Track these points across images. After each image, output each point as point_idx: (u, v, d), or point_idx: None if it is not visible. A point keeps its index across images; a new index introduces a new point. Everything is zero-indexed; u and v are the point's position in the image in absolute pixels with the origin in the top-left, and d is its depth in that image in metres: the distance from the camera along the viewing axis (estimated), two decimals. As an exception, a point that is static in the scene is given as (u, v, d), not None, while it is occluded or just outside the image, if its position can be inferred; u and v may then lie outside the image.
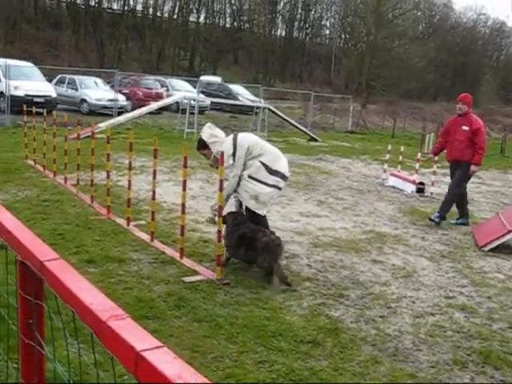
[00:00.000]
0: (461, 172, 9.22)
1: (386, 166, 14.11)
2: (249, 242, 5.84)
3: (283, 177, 6.27)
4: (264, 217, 6.31)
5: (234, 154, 6.20)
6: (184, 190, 6.32)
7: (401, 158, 14.30)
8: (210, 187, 10.62)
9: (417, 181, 12.51)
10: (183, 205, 6.24)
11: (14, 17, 54.63)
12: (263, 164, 6.14)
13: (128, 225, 7.39)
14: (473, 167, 9.09)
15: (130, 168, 7.52)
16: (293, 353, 4.30)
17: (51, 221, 7.47)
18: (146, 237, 6.93)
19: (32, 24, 57.72)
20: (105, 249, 6.35)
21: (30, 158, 11.93)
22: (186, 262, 6.09)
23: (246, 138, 6.40)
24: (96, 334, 1.20)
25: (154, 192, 6.84)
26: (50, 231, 6.92)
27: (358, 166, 16.72)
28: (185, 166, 6.23)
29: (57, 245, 6.37)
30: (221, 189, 5.68)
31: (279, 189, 6.28)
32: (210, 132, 6.56)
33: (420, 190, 12.40)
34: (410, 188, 12.48)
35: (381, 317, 5.19)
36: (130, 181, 7.49)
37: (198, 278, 5.61)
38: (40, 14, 60.12)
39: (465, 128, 9.14)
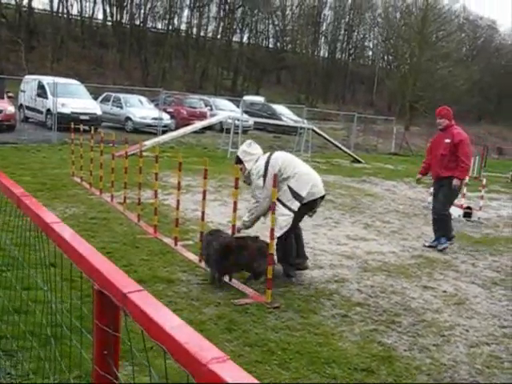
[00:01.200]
0: (445, 190, 8.66)
1: (431, 189, 13.84)
2: (237, 250, 5.90)
3: (301, 201, 6.20)
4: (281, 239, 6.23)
5: (264, 176, 6.24)
6: (234, 211, 6.25)
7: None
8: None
9: (464, 205, 12.23)
10: (233, 226, 6.16)
11: (61, 36, 55.91)
12: (289, 188, 6.16)
13: (176, 244, 7.35)
14: (455, 181, 8.48)
15: (179, 188, 7.49)
16: (347, 381, 4.17)
17: (99, 239, 7.48)
18: (193, 257, 6.88)
19: (79, 43, 59.04)
20: (153, 269, 6.31)
21: (77, 175, 12.06)
22: (235, 284, 6.01)
23: (278, 160, 6.36)
24: (194, 377, 1.11)
25: (203, 213, 6.79)
26: (99, 249, 6.77)
27: (402, 189, 16.48)
28: (236, 187, 6.16)
29: (105, 263, 6.37)
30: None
31: (291, 211, 6.18)
32: (245, 149, 6.67)
33: (467, 214, 12.11)
34: (457, 212, 12.18)
35: (434, 345, 5.01)
36: (178, 200, 7.46)
37: (247, 300, 5.52)
38: (86, 33, 61.45)
39: (447, 141, 8.67)
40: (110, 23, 63.51)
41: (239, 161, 6.66)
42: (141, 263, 6.50)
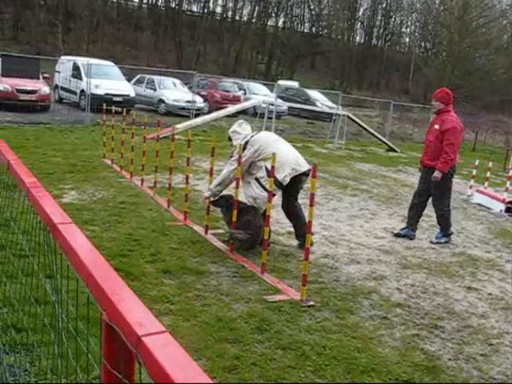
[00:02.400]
0: (432, 185, 8.05)
1: (472, 181, 13.37)
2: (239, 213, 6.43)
3: (279, 185, 6.56)
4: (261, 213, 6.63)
5: (243, 150, 6.57)
6: (270, 201, 5.92)
7: (488, 173, 13.54)
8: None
9: (507, 200, 11.71)
10: (267, 216, 5.83)
11: (97, 18, 56.06)
12: (266, 168, 6.41)
13: (206, 233, 7.06)
14: (435, 173, 7.88)
15: (211, 173, 7.18)
16: (387, 393, 3.83)
17: (127, 224, 7.24)
18: (223, 247, 6.59)
19: (114, 25, 59.06)
20: (182, 258, 6.03)
21: (108, 157, 11.85)
22: (268, 277, 5.69)
23: (260, 140, 6.76)
24: None
25: (237, 202, 6.47)
26: (126, 236, 6.67)
27: (440, 180, 15.93)
28: (270, 176, 5.82)
29: (132, 251, 6.12)
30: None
31: (274, 195, 6.46)
32: (235, 128, 7.21)
33: (510, 209, 11.59)
34: (499, 207, 11.69)
35: (482, 355, 4.63)
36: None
37: (280, 297, 5.19)
38: (122, 16, 61.46)
39: (436, 127, 8.08)
40: (145, 6, 63.44)
41: (229, 139, 7.24)
42: (169, 252, 6.22)
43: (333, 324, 4.78)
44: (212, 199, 6.92)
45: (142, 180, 9.78)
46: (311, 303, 5.12)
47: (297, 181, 6.75)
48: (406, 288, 5.97)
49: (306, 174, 6.75)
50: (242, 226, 6.43)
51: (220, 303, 4.92)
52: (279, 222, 8.08)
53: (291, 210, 7.02)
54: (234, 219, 6.35)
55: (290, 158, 6.66)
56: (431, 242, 8.15)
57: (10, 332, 3.75)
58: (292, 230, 7.51)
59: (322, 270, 6.21)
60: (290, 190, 6.84)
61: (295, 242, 7.11)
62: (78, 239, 1.72)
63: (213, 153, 7.17)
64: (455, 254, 7.68)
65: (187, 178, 7.99)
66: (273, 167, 5.85)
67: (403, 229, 8.43)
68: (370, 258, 6.93)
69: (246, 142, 6.74)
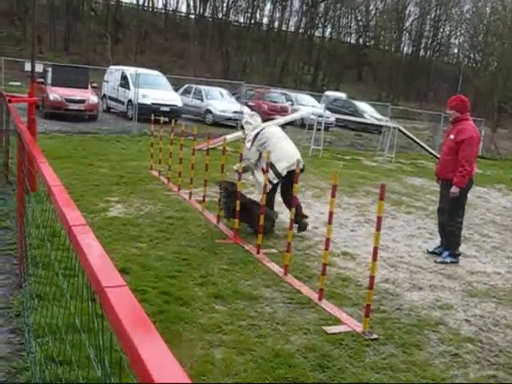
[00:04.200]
0: (448, 197, 7.49)
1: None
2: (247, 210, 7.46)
3: (278, 175, 7.61)
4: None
5: (252, 142, 7.88)
6: (330, 222, 5.52)
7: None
8: (342, 212, 9.78)
9: None
10: (327, 240, 5.43)
11: (145, 28, 56.72)
12: (271, 163, 7.31)
13: (258, 252, 6.71)
14: (453, 189, 7.31)
15: (265, 191, 6.83)
16: None
17: (175, 241, 6.94)
18: (277, 269, 6.21)
19: (162, 35, 59.65)
20: (233, 281, 5.68)
21: (155, 168, 11.64)
22: (326, 305, 5.29)
23: (266, 134, 7.91)
24: None
25: (291, 220, 6.11)
26: (174, 255, 6.37)
27: (495, 197, 15.26)
28: (333, 196, 5.44)
29: (181, 272, 5.81)
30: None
31: (272, 183, 7.60)
32: (247, 119, 8.41)
33: None
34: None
35: None
36: (263, 206, 6.81)
37: (341, 328, 4.79)
38: (169, 26, 62.06)
39: (451, 137, 7.47)
40: (192, 16, 63.97)
41: (242, 127, 8.54)
42: (220, 274, 5.88)
43: (400, 361, 4.35)
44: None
45: (191, 193, 9.51)
46: (375, 336, 4.71)
47: (293, 174, 7.01)
48: (476, 319, 5.49)
49: (302, 169, 7.28)
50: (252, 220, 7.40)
51: (276, 334, 4.55)
52: (333, 242, 7.68)
53: (287, 197, 7.78)
54: (237, 209, 7.38)
55: (290, 154, 7.68)
56: (435, 262, 7.51)
57: (53, 365, 3.46)
58: (348, 250, 7.14)
59: (382, 296, 5.77)
60: (288, 180, 7.49)
61: (352, 265, 6.70)
62: (90, 245, 1.46)
63: (267, 169, 6.79)
64: (524, 281, 7.13)
65: (237, 192, 7.65)
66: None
67: (438, 247, 7.89)
68: (433, 284, 6.46)
69: (257, 134, 7.92)
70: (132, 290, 4.06)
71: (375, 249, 4.77)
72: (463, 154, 7.31)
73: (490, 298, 6.22)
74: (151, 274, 5.62)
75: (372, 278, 4.80)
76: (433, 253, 7.83)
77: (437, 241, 8.19)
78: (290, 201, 7.10)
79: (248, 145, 7.97)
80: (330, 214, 5.44)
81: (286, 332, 4.62)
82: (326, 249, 5.45)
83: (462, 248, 8.08)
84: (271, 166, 7.37)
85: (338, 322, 4.94)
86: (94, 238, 1.57)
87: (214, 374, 3.82)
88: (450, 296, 6.11)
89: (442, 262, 7.48)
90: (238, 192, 7.46)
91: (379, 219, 4.73)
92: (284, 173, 7.59)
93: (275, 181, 7.64)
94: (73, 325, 3.31)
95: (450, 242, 7.72)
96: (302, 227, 7.95)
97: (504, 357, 4.72)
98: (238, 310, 4.97)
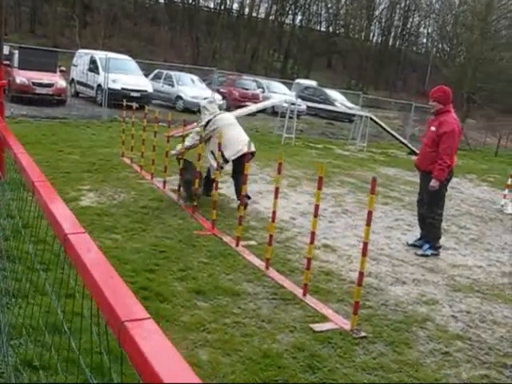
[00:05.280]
0: (427, 189, 7.32)
1: (507, 191, 12.72)
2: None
3: (226, 161, 8.18)
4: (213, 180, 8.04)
5: (205, 126, 8.44)
6: (276, 197, 5.33)
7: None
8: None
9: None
10: (313, 233, 5.25)
11: (114, 12, 55.70)
12: (218, 144, 7.73)
13: (237, 245, 6.51)
14: (432, 182, 7.16)
15: (245, 183, 6.62)
16: None
17: (151, 233, 6.70)
18: (258, 262, 6.02)
19: (131, 19, 58.66)
20: (214, 276, 5.47)
21: (127, 155, 11.33)
22: (310, 301, 5.11)
23: (218, 121, 8.47)
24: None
25: (274, 213, 5.92)
26: (151, 247, 6.13)
27: (467, 187, 15.29)
28: (278, 172, 5.25)
29: (159, 265, 5.58)
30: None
31: (222, 168, 8.29)
32: (205, 104, 9.02)
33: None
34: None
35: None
36: (244, 195, 6.61)
37: (328, 326, 4.62)
38: (139, 10, 61.08)
39: (432, 129, 7.33)
40: (162, 1, 63.04)
41: (199, 111, 8.95)
42: (199, 267, 5.67)
43: (390, 360, 4.20)
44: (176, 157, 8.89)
45: (165, 182, 9.25)
46: (363, 334, 4.55)
47: (242, 158, 7.65)
48: (462, 316, 5.38)
49: (251, 153, 7.86)
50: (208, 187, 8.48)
51: (262, 333, 4.36)
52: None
53: (236, 178, 8.45)
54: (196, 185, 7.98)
55: (238, 141, 8.21)
56: (416, 254, 7.40)
57: (26, 371, 3.22)
58: (328, 242, 7.03)
59: (367, 291, 5.62)
60: (237, 164, 8.22)
61: (334, 258, 6.55)
62: (89, 252, 1.33)
63: (247, 160, 6.58)
64: (505, 274, 7.06)
65: (216, 182, 7.43)
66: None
67: (418, 239, 7.79)
68: (416, 278, 6.35)
69: (209, 120, 8.46)
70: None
71: (365, 244, 4.60)
72: (444, 146, 7.18)
73: (474, 293, 6.13)
74: (128, 267, 5.38)
75: (361, 274, 4.63)
76: (413, 245, 7.73)
77: (416, 233, 8.10)
78: (238, 181, 8.01)
79: (199, 128, 8.63)
80: (316, 207, 5.26)
81: (273, 330, 4.43)
82: (311, 242, 5.26)
83: (442, 240, 7.99)
84: (221, 153, 7.95)
85: (324, 319, 4.77)
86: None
87: (201, 377, 3.59)
88: (435, 291, 6.00)
89: (422, 255, 7.37)
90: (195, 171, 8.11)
91: (369, 214, 4.55)
92: (231, 159, 8.23)
93: (225, 165, 8.41)
94: (50, 324, 3.08)
95: (430, 235, 7.62)
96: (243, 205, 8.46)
97: (494, 355, 4.61)
98: (220, 306, 4.77)
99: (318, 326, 4.58)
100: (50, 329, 2.92)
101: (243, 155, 7.59)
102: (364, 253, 4.60)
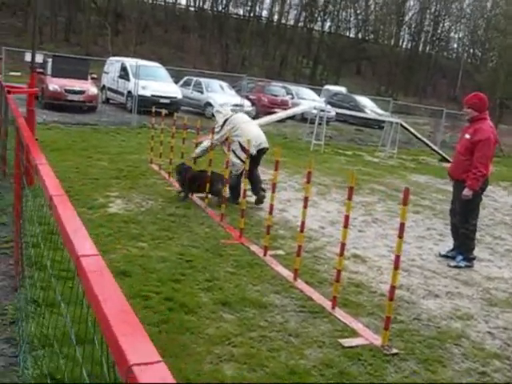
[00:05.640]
0: (460, 198, 7.08)
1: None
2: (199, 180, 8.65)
3: (246, 152, 7.88)
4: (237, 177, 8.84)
5: (221, 127, 8.92)
6: (305, 207, 5.17)
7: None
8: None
9: None
10: (343, 245, 5.10)
11: (145, 20, 56.26)
12: (239, 143, 8.49)
13: (265, 255, 6.38)
14: (465, 191, 6.94)
15: (274, 191, 6.50)
16: None
17: (178, 241, 6.61)
18: (286, 273, 5.89)
19: (161, 27, 59.15)
20: (241, 286, 5.35)
21: (156, 162, 11.31)
22: (340, 314, 4.96)
23: (234, 120, 8.91)
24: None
25: (302, 223, 5.79)
26: (178, 256, 6.04)
27: (501, 195, 14.95)
28: (308, 181, 5.10)
29: (185, 275, 5.48)
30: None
31: (240, 160, 8.50)
32: (217, 108, 9.73)
33: None
34: None
35: None
36: (272, 205, 6.49)
37: (358, 341, 4.46)
38: (169, 18, 61.56)
39: (466, 137, 7.09)
40: (192, 8, 63.41)
41: (213, 115, 9.51)
42: (226, 278, 5.56)
43: (423, 380, 4.03)
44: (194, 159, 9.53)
45: (192, 190, 9.20)
46: (394, 351, 4.38)
47: (259, 153, 8.80)
48: (499, 332, 5.16)
49: (267, 148, 8.95)
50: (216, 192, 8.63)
51: (289, 347, 4.22)
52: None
53: (253, 174, 8.68)
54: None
55: (258, 135, 8.83)
56: (449, 266, 7.17)
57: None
58: (358, 253, 6.88)
59: (398, 304, 5.43)
60: (255, 160, 8.66)
61: (363, 269, 6.39)
62: (102, 280, 1.13)
63: (276, 166, 6.45)
64: (543, 287, 6.81)
65: (244, 191, 7.33)
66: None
67: (451, 250, 7.57)
68: (450, 291, 6.15)
69: (226, 120, 8.91)
70: (134, 295, 3.72)
71: (397, 257, 4.44)
72: (478, 154, 6.97)
73: (511, 308, 5.90)
74: (154, 277, 5.29)
75: (393, 288, 4.47)
76: (445, 256, 7.52)
77: (449, 243, 7.88)
78: (255, 176, 8.80)
79: (217, 129, 8.97)
80: (346, 217, 5.11)
81: (300, 345, 4.29)
82: (341, 254, 5.10)
83: (475, 251, 7.76)
84: (242, 147, 8.32)
85: (354, 333, 4.61)
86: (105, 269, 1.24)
87: (225, 395, 3.50)
88: (469, 305, 5.80)
89: (456, 267, 7.16)
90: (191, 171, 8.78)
91: (402, 226, 4.39)
92: (254, 152, 8.47)
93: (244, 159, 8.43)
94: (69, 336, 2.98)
95: (463, 246, 7.40)
96: (260, 199, 8.96)
97: (535, 375, 4.40)
98: (247, 318, 4.64)
99: (347, 342, 4.42)
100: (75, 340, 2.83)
101: (260, 151, 8.72)
102: (396, 266, 4.44)
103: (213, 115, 9.38)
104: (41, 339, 3.65)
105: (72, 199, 7.76)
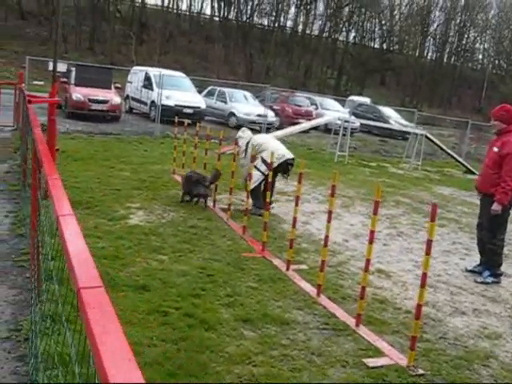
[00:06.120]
0: (488, 214, 6.88)
1: None
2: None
3: (268, 166, 8.20)
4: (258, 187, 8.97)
5: (245, 150, 9.18)
6: (329, 221, 5.05)
7: None
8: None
9: None
10: (368, 260, 4.97)
11: (169, 30, 56.64)
12: (261, 158, 8.84)
13: (288, 269, 6.26)
14: (494, 205, 6.76)
15: (297, 203, 6.39)
16: None
17: (199, 255, 6.52)
18: (309, 288, 5.76)
19: (186, 37, 59.44)
20: (262, 302, 5.24)
21: (178, 173, 11.25)
22: (364, 332, 4.82)
23: (255, 141, 9.20)
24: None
25: (326, 237, 5.66)
26: (198, 270, 5.94)
27: (528, 208, 14.63)
28: (332, 195, 4.97)
29: (206, 290, 5.38)
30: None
31: (263, 174, 8.80)
32: (239, 134, 9.63)
33: None
34: None
35: None
36: (295, 218, 6.38)
37: (383, 361, 4.32)
38: (194, 28, 61.89)
39: (495, 149, 6.91)
40: (217, 18, 63.70)
41: (236, 141, 9.51)
42: (248, 293, 5.44)
43: (451, 403, 3.88)
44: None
45: (215, 201, 9.12)
46: (421, 371, 4.23)
47: (281, 166, 8.90)
48: (529, 352, 4.99)
49: (289, 161, 9.05)
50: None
51: (312, 367, 4.10)
52: (365, 257, 7.22)
53: (272, 185, 8.74)
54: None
55: (277, 149, 8.90)
56: (475, 282, 6.98)
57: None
58: (382, 267, 6.73)
59: (424, 322, 5.27)
60: (276, 171, 8.71)
61: (389, 284, 6.24)
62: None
63: (300, 179, 6.33)
64: None
65: (267, 202, 7.23)
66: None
67: (478, 265, 7.38)
68: (476, 308, 5.98)
69: (248, 142, 9.21)
70: (153, 310, 3.61)
71: (424, 275, 4.30)
72: (507, 168, 6.81)
73: (540, 326, 5.71)
74: (174, 291, 5.20)
75: (419, 306, 4.33)
76: (472, 271, 7.34)
77: (475, 258, 7.70)
78: (272, 187, 8.88)
79: (242, 155, 9.26)
80: (372, 233, 4.96)
81: (323, 365, 4.16)
82: (366, 270, 4.97)
83: (503, 267, 7.56)
84: (264, 161, 8.73)
85: (378, 353, 4.47)
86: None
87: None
88: (497, 323, 5.62)
89: (482, 283, 6.98)
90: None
91: (429, 243, 4.26)
92: (275, 164, 8.37)
93: (266, 172, 8.51)
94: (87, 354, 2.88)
95: (490, 261, 7.21)
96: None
97: None
98: (268, 336, 4.52)
99: (371, 361, 4.28)
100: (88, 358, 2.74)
101: (285, 162, 8.95)
102: (423, 284, 4.30)
103: (235, 143, 9.55)
104: (55, 357, 3.57)
105: (93, 210, 7.78)
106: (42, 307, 4.02)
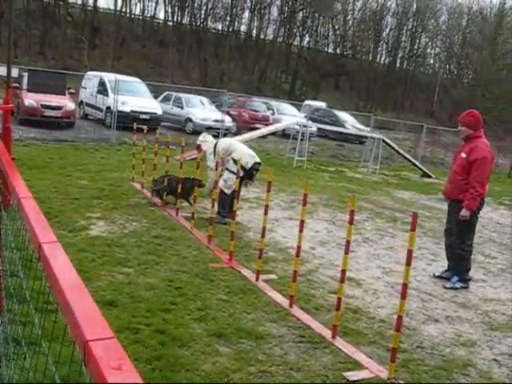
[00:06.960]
0: (457, 219, 6.90)
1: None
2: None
3: (243, 168, 8.48)
4: (228, 195, 8.74)
5: (213, 153, 9.08)
6: (301, 231, 4.95)
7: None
8: (337, 230, 9.25)
9: None
10: (343, 272, 4.86)
11: (122, 34, 55.95)
12: (232, 158, 8.75)
13: (257, 280, 6.12)
14: (463, 211, 6.77)
15: (266, 212, 6.25)
16: None
17: (165, 266, 6.32)
18: (280, 299, 5.63)
19: (139, 41, 58.82)
20: (235, 315, 5.07)
21: (137, 180, 11.00)
22: (341, 344, 4.70)
23: (225, 143, 9.38)
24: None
25: (298, 248, 5.54)
26: (166, 282, 5.74)
27: (485, 211, 14.67)
28: (304, 204, 4.87)
29: (176, 304, 5.19)
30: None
31: (234, 174, 8.45)
32: (201, 138, 9.65)
33: None
34: None
35: None
36: (264, 228, 6.24)
37: (363, 374, 4.21)
38: (147, 32, 61.33)
39: (462, 155, 6.93)
40: (170, 23, 63.25)
41: (199, 146, 9.49)
42: (219, 306, 5.27)
43: (435, 415, 3.80)
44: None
45: (178, 209, 8.91)
46: (401, 382, 4.14)
47: (247, 172, 8.88)
48: (504, 359, 4.95)
49: (255, 166, 9.07)
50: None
51: (292, 383, 3.96)
52: (333, 264, 7.15)
53: (239, 192, 8.90)
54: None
55: (246, 152, 9.06)
56: (444, 287, 6.97)
57: None
58: (351, 275, 6.67)
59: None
60: (245, 175, 8.85)
61: (360, 293, 6.16)
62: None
63: (269, 187, 6.18)
64: (542, 309, 6.64)
65: (233, 211, 7.07)
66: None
67: (445, 271, 7.36)
68: (449, 315, 5.94)
69: (215, 145, 9.20)
70: (123, 328, 3.39)
71: (404, 285, 4.21)
72: (475, 174, 6.81)
73: (512, 331, 5.71)
74: (143, 306, 5.00)
75: (400, 318, 4.23)
76: (440, 277, 7.32)
77: (442, 263, 7.70)
78: (238, 197, 8.67)
79: (211, 156, 9.12)
80: (347, 243, 4.87)
81: (303, 380, 4.03)
82: (342, 281, 4.86)
83: (471, 271, 7.57)
84: (235, 161, 8.49)
85: (358, 365, 4.35)
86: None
87: None
88: (471, 330, 5.58)
89: (451, 288, 6.97)
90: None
91: (410, 253, 4.18)
92: (249, 165, 8.84)
93: (241, 173, 8.43)
94: (60, 379, 2.68)
95: (459, 267, 7.21)
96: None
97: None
98: (244, 351, 4.36)
99: (352, 375, 4.17)
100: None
101: (251, 168, 8.96)
102: (403, 295, 4.22)
103: (197, 147, 9.56)
104: None
105: (52, 222, 7.45)
106: (4, 328, 3.78)
